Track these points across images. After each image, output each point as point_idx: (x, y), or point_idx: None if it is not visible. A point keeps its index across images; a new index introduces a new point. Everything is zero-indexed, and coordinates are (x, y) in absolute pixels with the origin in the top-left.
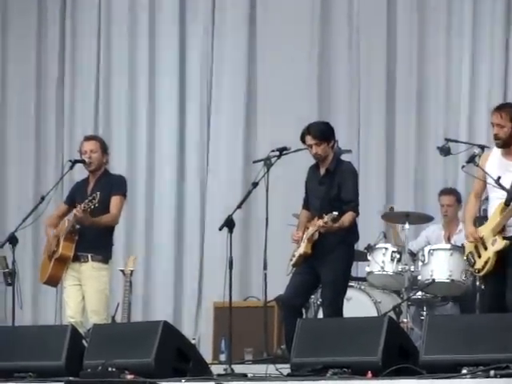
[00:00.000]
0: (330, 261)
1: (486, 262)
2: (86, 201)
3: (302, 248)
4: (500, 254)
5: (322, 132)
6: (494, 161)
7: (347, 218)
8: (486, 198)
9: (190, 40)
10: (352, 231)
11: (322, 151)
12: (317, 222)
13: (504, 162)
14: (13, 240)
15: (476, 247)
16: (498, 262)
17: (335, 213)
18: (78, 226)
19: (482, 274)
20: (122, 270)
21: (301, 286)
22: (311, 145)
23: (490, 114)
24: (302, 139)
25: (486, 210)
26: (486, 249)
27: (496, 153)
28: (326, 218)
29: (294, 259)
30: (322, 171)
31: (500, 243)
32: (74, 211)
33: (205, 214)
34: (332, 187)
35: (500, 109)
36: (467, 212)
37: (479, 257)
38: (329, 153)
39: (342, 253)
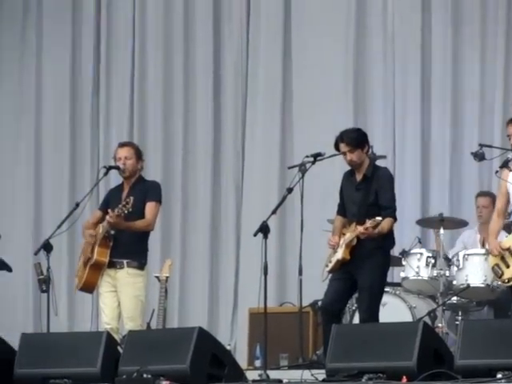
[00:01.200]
0: (367, 266)
1: None
2: (120, 206)
3: (340, 253)
4: None
5: (354, 139)
6: None
7: (386, 223)
8: (509, 215)
9: (225, 45)
10: (389, 237)
11: (356, 158)
12: (356, 227)
13: None
14: (47, 247)
15: (503, 258)
16: None
17: (379, 218)
18: (112, 232)
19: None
20: (158, 277)
21: (339, 292)
22: (345, 152)
23: (506, 126)
24: (336, 146)
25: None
26: None
27: None
28: (369, 223)
29: (331, 265)
30: (359, 177)
31: None
32: (107, 216)
33: (240, 220)
34: (369, 193)
35: None
36: (490, 229)
37: (507, 267)
38: (363, 159)
39: (380, 259)
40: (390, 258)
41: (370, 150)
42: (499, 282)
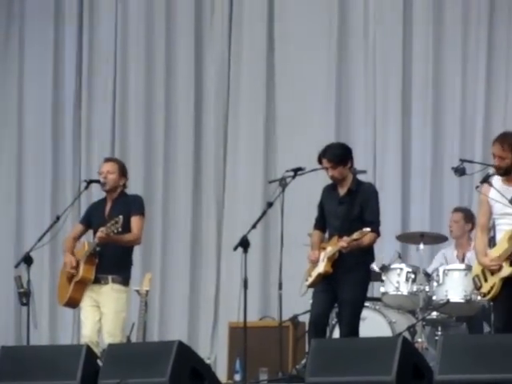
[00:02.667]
0: (349, 281)
1: (491, 287)
2: (109, 224)
3: (322, 267)
4: (506, 280)
5: (337, 156)
6: (497, 187)
7: (367, 237)
8: (493, 227)
9: (206, 57)
10: (370, 252)
11: (338, 174)
12: (337, 241)
13: (505, 188)
14: (28, 260)
15: (483, 271)
16: (503, 288)
17: (367, 229)
18: (98, 249)
19: (487, 298)
20: (138, 290)
21: (326, 304)
22: (327, 168)
23: (492, 144)
24: (319, 161)
25: (494, 238)
26: (492, 274)
27: (497, 181)
28: (356, 234)
29: (311, 279)
30: (342, 191)
31: (506, 270)
32: (97, 234)
33: (221, 234)
34: (353, 207)
35: (502, 140)
36: (477, 247)
37: (486, 280)
38: (346, 174)
39: (361, 273)
40: (371, 273)
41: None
42: (478, 296)
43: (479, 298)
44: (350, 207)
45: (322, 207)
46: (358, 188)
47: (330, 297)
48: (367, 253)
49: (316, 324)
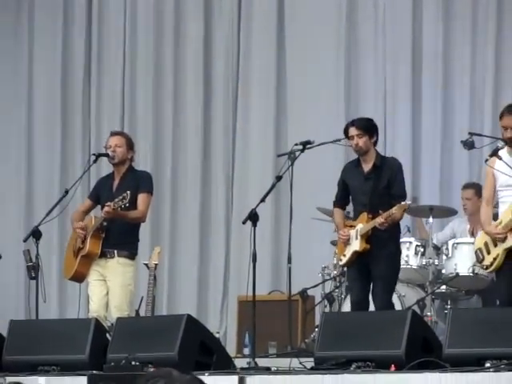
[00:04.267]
0: (382, 257)
1: (494, 259)
2: (116, 200)
3: (358, 245)
4: (509, 252)
5: (365, 124)
6: (505, 160)
7: (400, 211)
8: (496, 205)
9: (215, 36)
10: (398, 225)
11: (363, 143)
12: (368, 217)
13: None
14: (36, 234)
15: (486, 243)
16: (506, 259)
17: (408, 202)
18: (105, 224)
19: (489, 270)
20: (146, 264)
21: (364, 289)
22: (353, 136)
23: (500, 117)
24: (345, 131)
25: (496, 215)
26: (495, 245)
27: (505, 153)
28: (394, 209)
29: (346, 258)
30: (367, 167)
31: (511, 240)
32: (104, 209)
33: (230, 208)
34: (380, 182)
35: None
36: (482, 218)
37: (488, 253)
38: (369, 147)
39: (393, 248)
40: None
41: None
42: (480, 269)
43: (481, 270)
44: (376, 182)
45: (344, 185)
46: (383, 163)
47: (366, 277)
48: (396, 227)
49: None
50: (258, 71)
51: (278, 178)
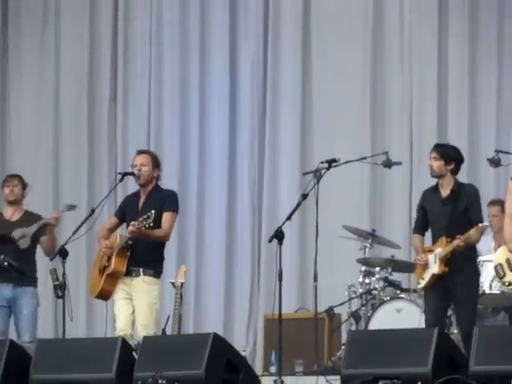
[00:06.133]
0: (462, 280)
1: None
2: (141, 219)
3: (437, 268)
4: None
5: (444, 150)
6: None
7: (476, 234)
8: None
9: (242, 49)
10: (474, 247)
11: (436, 167)
12: (447, 241)
13: None
14: (63, 252)
15: (508, 260)
16: None
17: (485, 223)
18: (130, 242)
19: (511, 287)
20: (173, 283)
21: (440, 310)
22: (430, 157)
23: None
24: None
25: None
26: None
27: None
28: (472, 231)
29: (424, 281)
30: (445, 192)
31: None
32: (129, 228)
33: (256, 226)
34: (457, 206)
35: None
36: (506, 236)
37: (511, 270)
38: (444, 173)
39: (473, 270)
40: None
41: (386, 156)
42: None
43: (503, 287)
44: (454, 207)
45: (422, 210)
46: (461, 189)
47: (443, 301)
48: (473, 248)
49: None
50: (285, 86)
51: (304, 196)
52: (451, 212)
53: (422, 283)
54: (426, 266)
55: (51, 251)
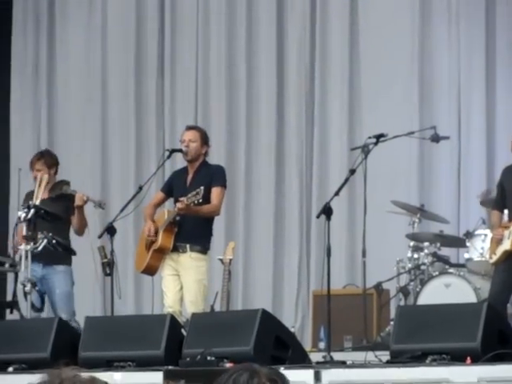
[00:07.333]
0: None
1: None
2: (190, 195)
3: (509, 245)
4: None
5: None
6: None
7: None
8: None
9: (289, 30)
10: None
11: None
12: None
13: None
14: (111, 230)
15: None
16: None
17: None
18: (177, 218)
19: None
20: (221, 259)
21: (506, 283)
22: None
23: None
24: None
25: None
26: None
27: None
28: None
29: (496, 257)
30: None
31: None
32: (178, 205)
33: (304, 202)
34: None
35: None
36: None
37: None
38: None
39: None
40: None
41: (434, 131)
42: None
43: None
44: None
45: (501, 188)
46: None
47: (510, 279)
48: None
49: (494, 301)
50: (332, 66)
51: (352, 172)
52: None
53: (494, 258)
54: (500, 241)
55: (81, 231)
